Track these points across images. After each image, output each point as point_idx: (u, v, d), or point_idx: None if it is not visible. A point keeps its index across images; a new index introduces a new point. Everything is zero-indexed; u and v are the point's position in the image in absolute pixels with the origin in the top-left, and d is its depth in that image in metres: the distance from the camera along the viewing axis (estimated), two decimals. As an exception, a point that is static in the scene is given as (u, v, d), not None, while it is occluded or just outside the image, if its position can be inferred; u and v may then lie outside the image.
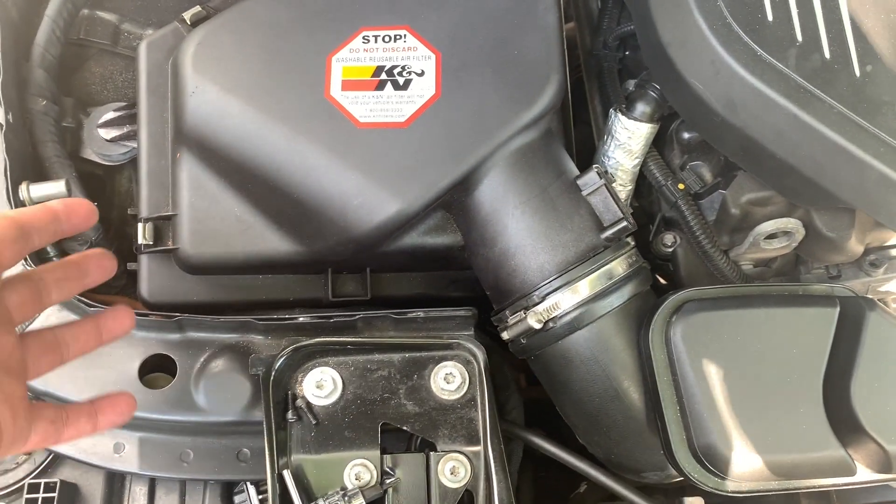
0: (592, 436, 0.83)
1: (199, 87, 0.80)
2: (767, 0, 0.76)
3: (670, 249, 0.93)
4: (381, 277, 0.91)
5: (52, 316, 0.82)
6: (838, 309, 0.77)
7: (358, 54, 0.81)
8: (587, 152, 0.98)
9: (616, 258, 0.78)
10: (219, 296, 0.87)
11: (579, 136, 0.97)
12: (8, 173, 0.82)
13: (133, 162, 0.96)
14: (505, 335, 0.82)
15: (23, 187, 0.83)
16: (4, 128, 0.83)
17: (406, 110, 0.79)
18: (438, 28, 0.82)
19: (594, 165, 0.80)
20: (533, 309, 0.77)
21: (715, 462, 0.74)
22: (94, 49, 1.00)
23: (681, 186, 0.89)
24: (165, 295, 0.86)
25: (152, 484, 0.85)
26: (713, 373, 0.75)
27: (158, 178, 0.85)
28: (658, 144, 0.92)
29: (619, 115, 0.89)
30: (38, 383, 0.80)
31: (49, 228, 0.56)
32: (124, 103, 0.95)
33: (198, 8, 0.89)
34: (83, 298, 0.81)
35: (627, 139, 0.88)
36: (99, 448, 0.83)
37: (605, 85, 0.96)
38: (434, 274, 0.93)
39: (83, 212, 0.58)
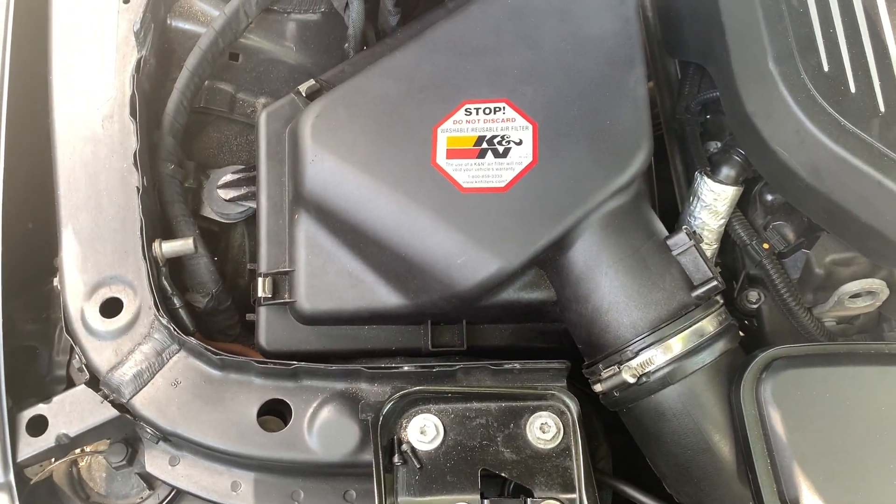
0: (683, 486, 0.86)
1: (318, 156, 0.88)
2: (850, 73, 0.81)
3: (755, 306, 0.96)
4: (475, 329, 0.97)
5: (179, 362, 0.90)
6: (925, 368, 0.80)
7: (461, 125, 0.88)
8: (666, 207, 1.03)
9: (706, 316, 0.82)
10: (328, 345, 0.94)
11: (658, 192, 1.02)
12: (144, 232, 0.91)
13: (247, 220, 1.04)
14: (598, 388, 0.86)
15: (156, 245, 0.92)
16: (141, 191, 0.92)
17: (506, 176, 0.85)
18: (535, 100, 0.88)
19: (683, 227, 0.85)
20: (627, 364, 0.82)
21: (805, 514, 0.76)
22: (213, 116, 1.10)
23: (765, 246, 0.93)
24: (281, 344, 0.93)
25: (264, 521, 0.91)
26: (802, 428, 0.78)
27: (277, 237, 0.93)
28: (741, 205, 0.97)
29: (706, 178, 0.93)
30: (167, 424, 0.87)
31: None
32: (241, 166, 1.04)
33: (311, 81, 0.97)
34: (208, 346, 0.89)
35: (713, 201, 0.93)
36: (217, 486, 0.90)
37: (688, 148, 1.01)
38: (524, 326, 0.98)
39: None
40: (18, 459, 0.87)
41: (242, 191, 1.01)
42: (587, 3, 0.91)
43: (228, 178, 1.02)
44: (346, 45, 1.08)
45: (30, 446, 0.87)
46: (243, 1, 0.99)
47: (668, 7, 1.06)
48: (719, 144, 1.02)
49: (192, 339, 0.88)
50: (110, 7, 1.03)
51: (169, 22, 1.05)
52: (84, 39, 1.02)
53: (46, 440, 0.87)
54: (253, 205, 1.00)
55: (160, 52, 1.04)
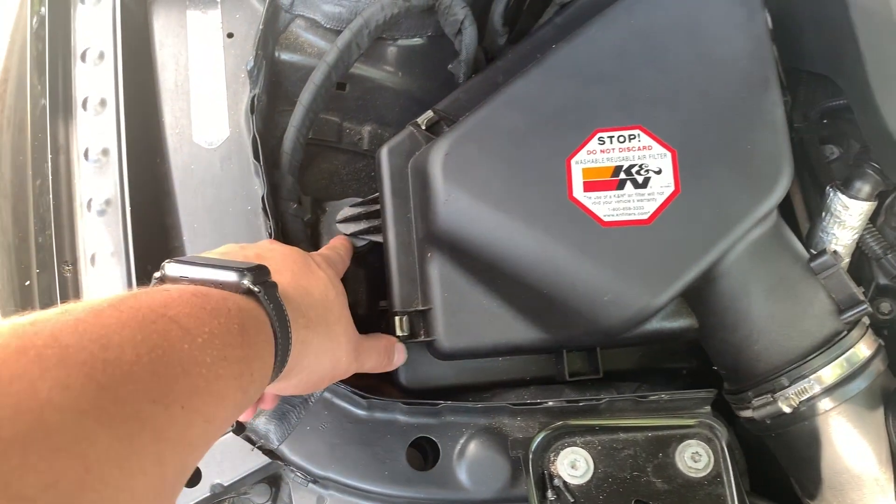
0: (835, 508, 0.86)
1: (451, 196, 0.87)
2: None
3: (888, 317, 0.95)
4: (605, 352, 0.97)
5: (324, 405, 0.91)
6: None
7: (595, 156, 0.87)
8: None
9: (858, 341, 0.82)
10: (464, 379, 0.94)
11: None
12: (279, 277, 0.91)
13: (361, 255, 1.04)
14: (747, 414, 0.86)
15: (290, 288, 0.92)
16: (273, 235, 0.92)
17: (648, 207, 0.84)
18: (670, 126, 0.86)
19: (826, 248, 0.84)
20: (781, 393, 0.82)
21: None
22: (321, 147, 1.10)
23: (901, 259, 0.92)
24: (419, 381, 0.94)
25: (415, 556, 0.93)
26: (967, 452, 0.78)
27: (407, 274, 0.93)
28: (871, 215, 0.95)
29: (838, 192, 0.92)
30: (318, 468, 0.88)
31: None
32: (357, 199, 1.03)
33: (430, 113, 0.96)
34: (353, 390, 0.89)
35: (847, 216, 0.92)
36: (371, 525, 0.91)
37: (809, 157, 1.00)
38: (654, 347, 0.98)
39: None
40: (175, 510, 0.89)
41: (362, 225, 1.00)
42: (715, 21, 0.88)
43: (347, 212, 1.01)
44: (450, 66, 1.06)
45: (185, 497, 0.89)
46: (356, 33, 0.97)
47: (786, 15, 1.03)
48: (835, 150, 1.00)
49: (337, 383, 0.89)
50: (215, 43, 1.02)
51: (276, 55, 1.04)
52: (192, 78, 1.01)
53: (202, 490, 0.88)
54: (374, 238, 1.00)
55: (269, 85, 1.03)
